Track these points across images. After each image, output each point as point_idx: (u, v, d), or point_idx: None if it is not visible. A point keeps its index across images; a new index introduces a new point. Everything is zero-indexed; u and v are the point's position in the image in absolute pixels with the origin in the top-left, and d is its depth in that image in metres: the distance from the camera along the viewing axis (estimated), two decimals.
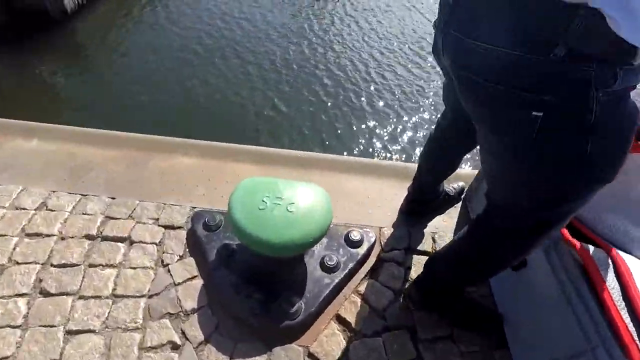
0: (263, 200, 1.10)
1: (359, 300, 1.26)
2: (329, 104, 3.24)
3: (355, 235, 1.37)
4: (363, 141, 2.99)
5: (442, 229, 1.49)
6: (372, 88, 3.49)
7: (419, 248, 1.42)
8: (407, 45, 4.12)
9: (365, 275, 1.33)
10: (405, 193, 1.51)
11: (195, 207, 1.46)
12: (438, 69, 1.12)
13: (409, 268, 1.36)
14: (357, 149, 2.94)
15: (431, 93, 3.50)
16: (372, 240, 1.39)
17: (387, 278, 1.32)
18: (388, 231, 1.46)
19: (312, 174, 1.65)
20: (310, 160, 1.71)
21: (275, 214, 1.08)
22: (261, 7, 4.60)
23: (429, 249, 1.42)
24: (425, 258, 1.37)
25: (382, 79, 3.59)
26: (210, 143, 1.74)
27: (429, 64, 3.79)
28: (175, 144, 1.72)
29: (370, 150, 2.95)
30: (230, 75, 3.50)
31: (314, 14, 4.71)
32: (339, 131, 3.04)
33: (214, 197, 1.52)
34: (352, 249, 1.34)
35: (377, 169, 1.72)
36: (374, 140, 3.02)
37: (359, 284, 1.31)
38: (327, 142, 2.92)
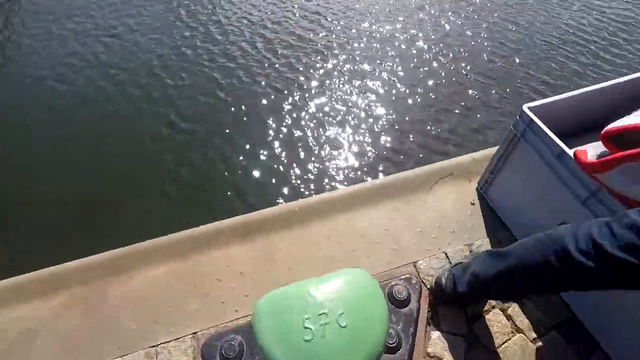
0: (306, 327, 0.83)
1: None
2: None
3: (399, 292, 1.16)
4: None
5: (473, 235, 1.35)
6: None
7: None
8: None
9: (426, 329, 1.15)
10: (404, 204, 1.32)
11: (196, 332, 1.13)
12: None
13: (473, 317, 1.19)
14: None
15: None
16: (417, 288, 1.20)
17: (449, 319, 1.15)
18: (424, 262, 1.28)
19: (311, 227, 1.37)
20: (300, 211, 1.42)
21: (329, 338, 0.82)
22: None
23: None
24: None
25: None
26: (172, 236, 1.36)
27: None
28: (128, 255, 1.31)
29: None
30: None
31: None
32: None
33: (213, 307, 1.19)
34: (402, 310, 1.14)
35: (371, 192, 1.49)
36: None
37: (426, 343, 1.12)
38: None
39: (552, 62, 3.19)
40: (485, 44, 3.39)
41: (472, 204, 1.45)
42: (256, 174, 2.34)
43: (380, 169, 2.38)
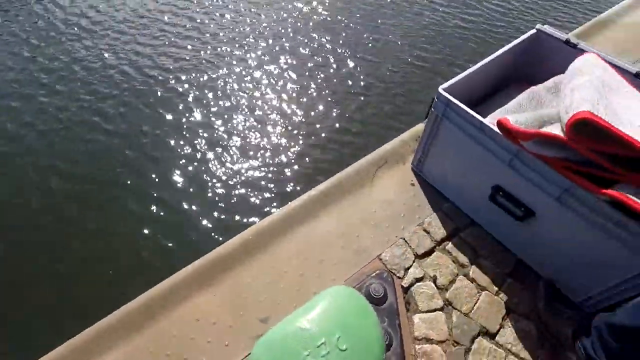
0: None
1: (425, 347, 1.14)
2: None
3: (376, 290, 1.19)
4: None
5: (421, 213, 1.44)
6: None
7: (422, 251, 1.34)
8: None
9: (408, 316, 1.20)
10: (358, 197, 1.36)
11: None
12: None
13: (433, 278, 1.28)
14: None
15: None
16: (390, 280, 1.24)
17: (424, 299, 1.22)
18: (387, 254, 1.33)
19: (272, 251, 1.33)
20: (255, 237, 1.36)
21: None
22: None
23: (431, 243, 1.35)
24: (434, 250, 1.33)
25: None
26: (123, 309, 1.20)
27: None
28: (75, 348, 1.13)
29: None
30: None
31: None
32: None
33: None
34: (383, 306, 1.18)
35: (319, 199, 1.49)
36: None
37: (412, 329, 1.17)
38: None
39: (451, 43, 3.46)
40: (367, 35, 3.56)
41: (412, 184, 1.54)
42: (189, 212, 2.16)
43: (312, 173, 2.38)
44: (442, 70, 3.03)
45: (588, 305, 1.18)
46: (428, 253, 1.34)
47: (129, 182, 2.24)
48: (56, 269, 1.88)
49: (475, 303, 1.23)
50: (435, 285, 1.27)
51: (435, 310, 1.22)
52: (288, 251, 1.33)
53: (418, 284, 1.27)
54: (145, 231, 2.03)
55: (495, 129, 1.10)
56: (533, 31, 1.51)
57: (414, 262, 1.32)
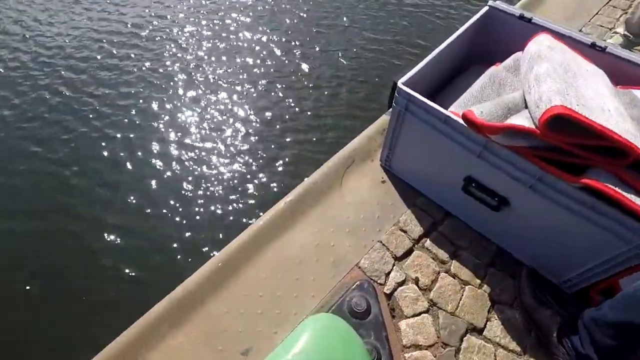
0: None
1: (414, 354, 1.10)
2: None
3: (358, 304, 1.13)
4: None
5: (395, 211, 1.38)
6: None
7: (400, 252, 1.29)
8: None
9: (394, 325, 1.16)
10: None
11: None
12: None
13: (415, 280, 1.23)
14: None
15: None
16: (371, 290, 1.19)
17: (408, 303, 1.18)
18: (366, 260, 1.27)
19: (244, 275, 1.24)
20: (225, 264, 1.26)
21: None
22: None
23: (410, 243, 1.31)
24: (412, 249, 1.29)
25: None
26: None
27: None
28: None
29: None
30: None
31: None
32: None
33: None
34: (367, 319, 1.12)
35: (288, 212, 1.41)
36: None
37: (399, 337, 1.13)
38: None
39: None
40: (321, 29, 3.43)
41: (383, 181, 1.48)
42: (153, 237, 2.02)
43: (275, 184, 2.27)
44: (398, 53, 2.96)
45: (567, 287, 1.18)
46: (407, 253, 1.30)
47: (81, 212, 2.06)
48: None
49: (460, 299, 1.20)
50: (418, 287, 1.23)
51: (421, 313, 1.18)
52: (261, 273, 1.25)
53: (401, 288, 1.22)
54: (108, 264, 1.88)
55: (461, 121, 1.05)
56: (486, 8, 1.46)
57: (394, 265, 1.27)
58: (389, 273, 1.25)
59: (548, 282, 1.18)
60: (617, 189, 0.84)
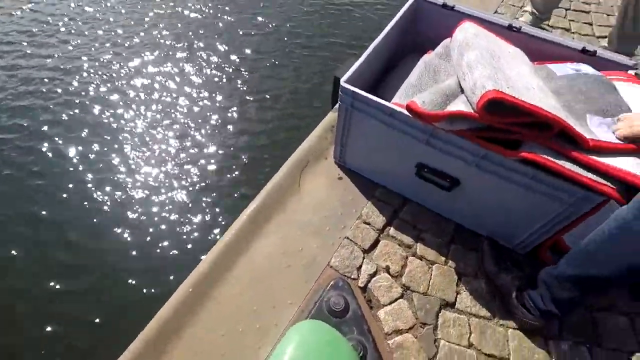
0: None
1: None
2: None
3: (336, 303, 1.15)
4: None
5: (356, 206, 1.42)
6: None
7: (368, 244, 1.33)
8: None
9: (373, 315, 1.19)
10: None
11: None
12: None
13: (386, 268, 1.28)
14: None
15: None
16: (346, 286, 1.21)
17: (383, 292, 1.23)
18: (336, 259, 1.29)
19: (219, 295, 1.20)
20: (197, 287, 1.22)
21: None
22: None
23: (375, 234, 1.35)
24: (379, 239, 1.33)
25: None
26: None
27: None
28: None
29: None
30: None
31: None
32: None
33: None
34: (347, 316, 1.15)
35: (252, 223, 1.39)
36: None
37: (381, 326, 1.17)
38: None
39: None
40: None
41: (340, 178, 1.51)
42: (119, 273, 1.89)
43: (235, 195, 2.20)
44: (333, 50, 2.98)
45: (520, 249, 1.29)
46: (374, 244, 1.34)
47: (27, 259, 1.87)
48: None
49: (430, 279, 1.27)
50: (390, 274, 1.27)
51: (396, 299, 1.23)
52: (234, 290, 1.22)
53: (374, 279, 1.26)
54: (64, 310, 1.73)
55: (406, 112, 1.09)
56: (411, 0, 1.53)
57: (363, 258, 1.30)
58: (360, 267, 1.28)
59: (507, 250, 1.29)
60: (548, 157, 0.94)
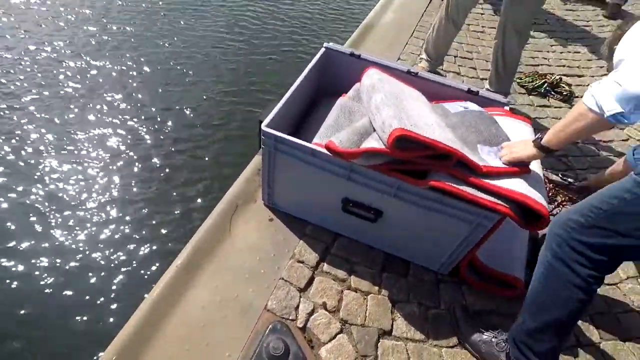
0: None
1: None
2: None
3: (275, 348, 1.12)
4: None
5: (289, 245, 1.43)
6: None
7: (303, 283, 1.33)
8: None
9: (315, 355, 1.18)
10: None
11: None
12: None
13: (323, 305, 1.29)
14: None
15: None
16: (285, 329, 1.19)
17: (322, 329, 1.22)
18: (273, 301, 1.27)
19: (153, 355, 1.09)
20: (126, 354, 1.09)
21: None
22: None
23: (309, 272, 1.36)
24: (313, 277, 1.34)
25: None
26: None
27: None
28: None
29: None
30: None
31: None
32: None
33: None
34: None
35: (182, 275, 1.32)
36: None
37: None
38: None
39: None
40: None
41: (270, 219, 1.51)
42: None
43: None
44: (253, 98, 3.05)
45: (443, 269, 1.40)
46: (309, 282, 1.35)
47: None
48: None
49: (366, 310, 1.30)
50: (327, 310, 1.28)
51: (336, 335, 1.23)
52: (167, 351, 1.12)
53: (312, 317, 1.26)
54: None
55: (326, 151, 1.16)
56: (322, 50, 1.68)
57: (300, 297, 1.30)
58: (297, 306, 1.27)
59: (477, 313, 1.34)
60: (451, 183, 1.06)
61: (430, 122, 1.11)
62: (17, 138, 2.39)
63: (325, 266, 1.40)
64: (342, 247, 1.46)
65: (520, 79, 2.60)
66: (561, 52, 3.09)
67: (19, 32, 3.21)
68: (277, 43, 3.70)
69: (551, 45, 3.17)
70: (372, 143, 1.08)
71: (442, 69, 2.63)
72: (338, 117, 1.47)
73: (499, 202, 1.04)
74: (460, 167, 1.10)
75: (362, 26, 3.05)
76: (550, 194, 1.79)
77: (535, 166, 1.19)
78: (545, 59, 2.98)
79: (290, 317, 1.24)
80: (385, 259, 1.46)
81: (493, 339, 1.19)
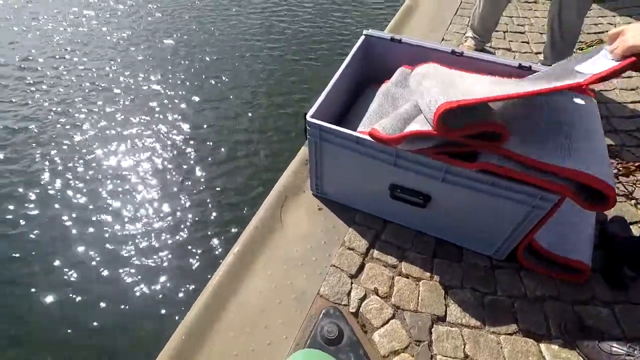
0: None
1: None
2: None
3: (330, 332, 1.16)
4: None
5: (339, 234, 1.46)
6: None
7: (354, 269, 1.36)
8: None
9: (368, 340, 1.20)
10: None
11: None
12: None
13: (374, 291, 1.30)
14: None
15: None
16: (338, 313, 1.22)
17: (375, 315, 1.24)
18: (325, 287, 1.31)
19: (211, 339, 1.18)
20: (189, 336, 1.20)
21: None
22: None
23: (359, 258, 1.38)
24: (364, 263, 1.36)
25: None
26: None
27: None
28: None
29: None
30: None
31: None
32: None
33: None
34: (342, 343, 1.15)
35: (238, 263, 1.40)
36: None
37: (377, 350, 1.17)
38: None
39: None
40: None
41: (320, 209, 1.55)
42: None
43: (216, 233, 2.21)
44: (296, 89, 3.13)
45: (499, 255, 1.35)
46: (360, 269, 1.37)
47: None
48: None
49: (418, 296, 1.30)
50: (379, 296, 1.29)
51: (388, 320, 1.24)
52: (229, 332, 1.21)
53: (364, 302, 1.28)
54: None
55: (371, 139, 1.17)
56: (362, 37, 1.67)
57: (352, 284, 1.32)
58: (349, 292, 1.30)
59: None
60: (504, 165, 1.02)
61: (486, 90, 1.05)
62: (68, 144, 2.66)
63: (376, 253, 1.41)
64: (392, 234, 1.46)
65: (581, 49, 2.39)
66: (629, 17, 2.78)
67: (71, 46, 3.53)
68: (317, 39, 3.72)
69: (616, 10, 2.87)
70: (415, 126, 1.07)
71: (490, 47, 2.49)
72: (381, 104, 1.46)
73: (557, 181, 0.99)
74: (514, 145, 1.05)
75: (402, 8, 2.97)
76: (621, 172, 1.65)
77: (599, 141, 1.10)
78: (612, 24, 2.70)
79: (343, 303, 1.28)
80: (437, 245, 1.43)
81: (627, 357, 1.06)
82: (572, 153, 1.01)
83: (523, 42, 2.55)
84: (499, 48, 2.49)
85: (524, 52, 2.46)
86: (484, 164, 1.03)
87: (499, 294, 1.31)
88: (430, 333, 1.22)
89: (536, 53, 2.43)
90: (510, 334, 1.22)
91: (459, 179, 1.15)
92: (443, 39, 2.61)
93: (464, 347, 1.19)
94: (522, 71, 1.42)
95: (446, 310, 1.27)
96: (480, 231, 1.31)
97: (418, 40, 1.60)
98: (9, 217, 2.23)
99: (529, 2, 2.97)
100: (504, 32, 2.63)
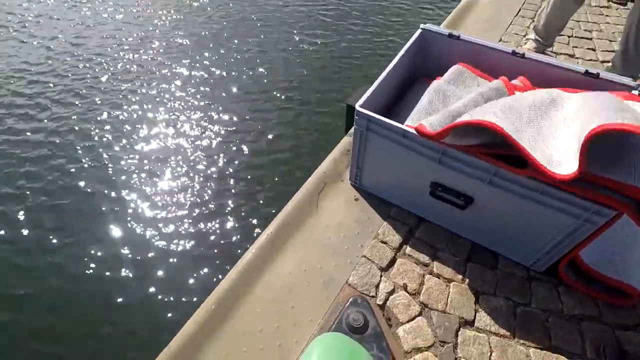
0: None
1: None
2: None
3: (355, 320, 1.17)
4: None
5: (373, 225, 1.46)
6: None
7: (385, 263, 1.36)
8: None
9: (392, 333, 1.20)
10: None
11: None
12: None
13: (403, 286, 1.30)
14: None
15: None
16: (365, 303, 1.23)
17: (402, 310, 1.24)
18: (354, 277, 1.32)
19: (239, 315, 1.23)
20: (219, 305, 1.26)
21: None
22: None
23: (391, 252, 1.38)
24: (395, 258, 1.35)
25: None
26: None
27: None
28: None
29: None
30: None
31: None
32: None
33: None
34: (367, 333, 1.16)
35: (271, 243, 1.44)
36: None
37: (400, 344, 1.18)
38: None
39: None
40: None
41: (356, 199, 1.55)
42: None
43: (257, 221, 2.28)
44: (344, 78, 3.13)
45: (537, 267, 1.30)
46: (391, 263, 1.36)
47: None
48: None
49: (448, 297, 1.28)
50: (408, 292, 1.29)
51: (415, 317, 1.24)
52: (256, 308, 1.25)
53: (392, 297, 1.28)
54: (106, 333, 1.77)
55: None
56: (419, 31, 1.63)
57: (381, 277, 1.33)
58: (378, 285, 1.30)
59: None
60: None
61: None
62: (107, 137, 2.80)
63: (408, 249, 1.40)
64: (427, 232, 1.44)
65: None
66: None
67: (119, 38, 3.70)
68: (363, 38, 3.69)
69: None
70: (465, 118, 1.04)
71: (551, 51, 2.36)
72: (432, 100, 1.43)
73: (617, 197, 0.93)
74: None
75: (460, 6, 2.87)
76: None
77: None
78: None
79: (371, 294, 1.28)
80: (472, 249, 1.40)
81: None
82: (636, 172, 0.95)
83: (589, 48, 2.40)
84: (561, 53, 2.36)
85: (588, 60, 2.31)
86: (533, 173, 0.99)
87: (533, 305, 1.26)
88: (457, 335, 1.20)
89: (602, 62, 2.27)
90: (541, 349, 1.18)
91: (508, 184, 1.11)
92: (500, 40, 2.50)
93: (490, 354, 1.16)
94: (589, 79, 1.34)
95: (475, 315, 1.24)
96: (522, 240, 1.26)
97: (477, 38, 1.55)
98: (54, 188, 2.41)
99: (601, 7, 2.77)
100: (569, 36, 2.48)
